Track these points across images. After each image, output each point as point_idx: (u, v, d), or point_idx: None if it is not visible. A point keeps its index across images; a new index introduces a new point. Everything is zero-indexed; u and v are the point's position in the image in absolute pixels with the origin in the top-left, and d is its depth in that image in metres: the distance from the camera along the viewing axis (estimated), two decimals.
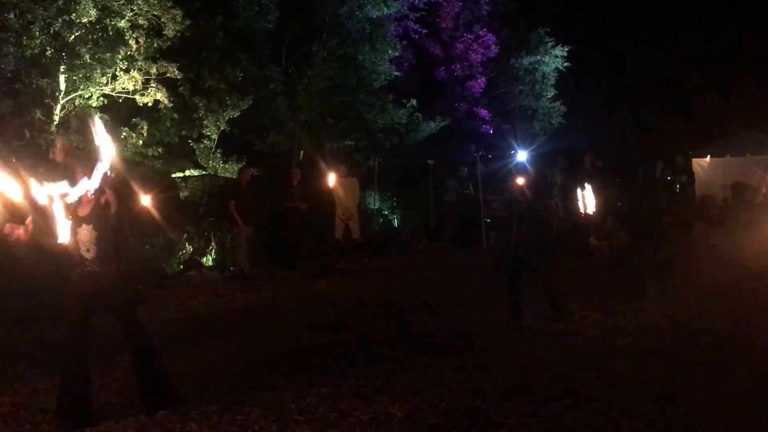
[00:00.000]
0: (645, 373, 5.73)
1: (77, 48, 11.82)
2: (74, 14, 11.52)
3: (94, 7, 11.63)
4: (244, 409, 5.29)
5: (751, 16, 20.22)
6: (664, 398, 5.10)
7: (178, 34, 12.88)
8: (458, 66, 21.92)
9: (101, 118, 12.17)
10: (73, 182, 4.93)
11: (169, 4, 12.47)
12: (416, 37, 20.56)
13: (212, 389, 5.83)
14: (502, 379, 5.74)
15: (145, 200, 9.74)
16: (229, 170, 14.66)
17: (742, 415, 4.71)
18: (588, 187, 10.74)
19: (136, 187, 10.33)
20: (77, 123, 11.45)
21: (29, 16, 11.45)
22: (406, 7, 19.30)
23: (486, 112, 22.09)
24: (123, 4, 12.05)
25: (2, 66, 11.41)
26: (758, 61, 19.24)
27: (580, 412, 4.92)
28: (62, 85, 11.99)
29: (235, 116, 14.40)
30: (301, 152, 16.67)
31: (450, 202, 16.83)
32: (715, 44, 20.48)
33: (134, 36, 12.31)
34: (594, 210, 10.82)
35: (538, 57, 22.15)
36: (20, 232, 4.91)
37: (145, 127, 13.02)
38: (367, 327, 8.12)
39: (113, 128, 12.90)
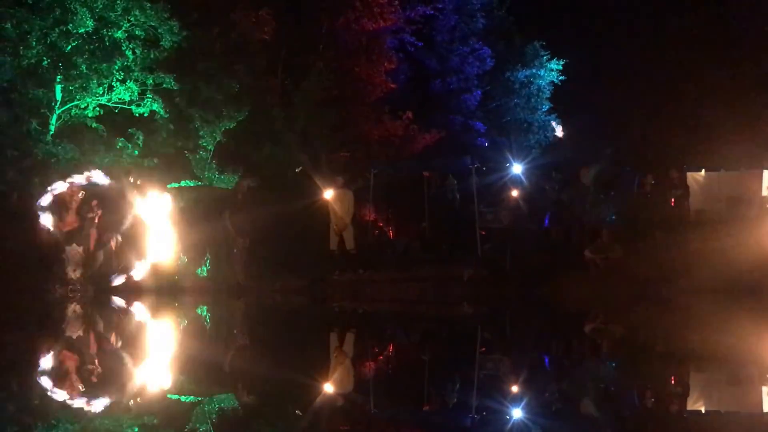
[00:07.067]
0: None
1: (74, 58, 11.86)
2: (71, 24, 11.56)
3: (90, 17, 11.67)
4: None
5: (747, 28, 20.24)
6: None
7: (175, 44, 12.92)
8: (454, 78, 21.97)
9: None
10: None
11: (165, 15, 12.52)
12: (412, 49, 20.61)
13: None
14: None
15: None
16: (224, 181, 14.66)
17: None
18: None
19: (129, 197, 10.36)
20: None
21: (26, 26, 11.50)
22: (401, 20, 19.38)
23: (481, 124, 22.12)
24: (120, 15, 12.11)
25: None
26: (755, 74, 19.27)
27: None
28: (58, 95, 12.01)
29: (231, 127, 14.41)
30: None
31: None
32: (712, 56, 20.51)
33: (131, 46, 12.35)
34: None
35: (534, 70, 22.28)
36: None
37: (141, 138, 13.04)
38: None
39: (109, 138, 12.96)
